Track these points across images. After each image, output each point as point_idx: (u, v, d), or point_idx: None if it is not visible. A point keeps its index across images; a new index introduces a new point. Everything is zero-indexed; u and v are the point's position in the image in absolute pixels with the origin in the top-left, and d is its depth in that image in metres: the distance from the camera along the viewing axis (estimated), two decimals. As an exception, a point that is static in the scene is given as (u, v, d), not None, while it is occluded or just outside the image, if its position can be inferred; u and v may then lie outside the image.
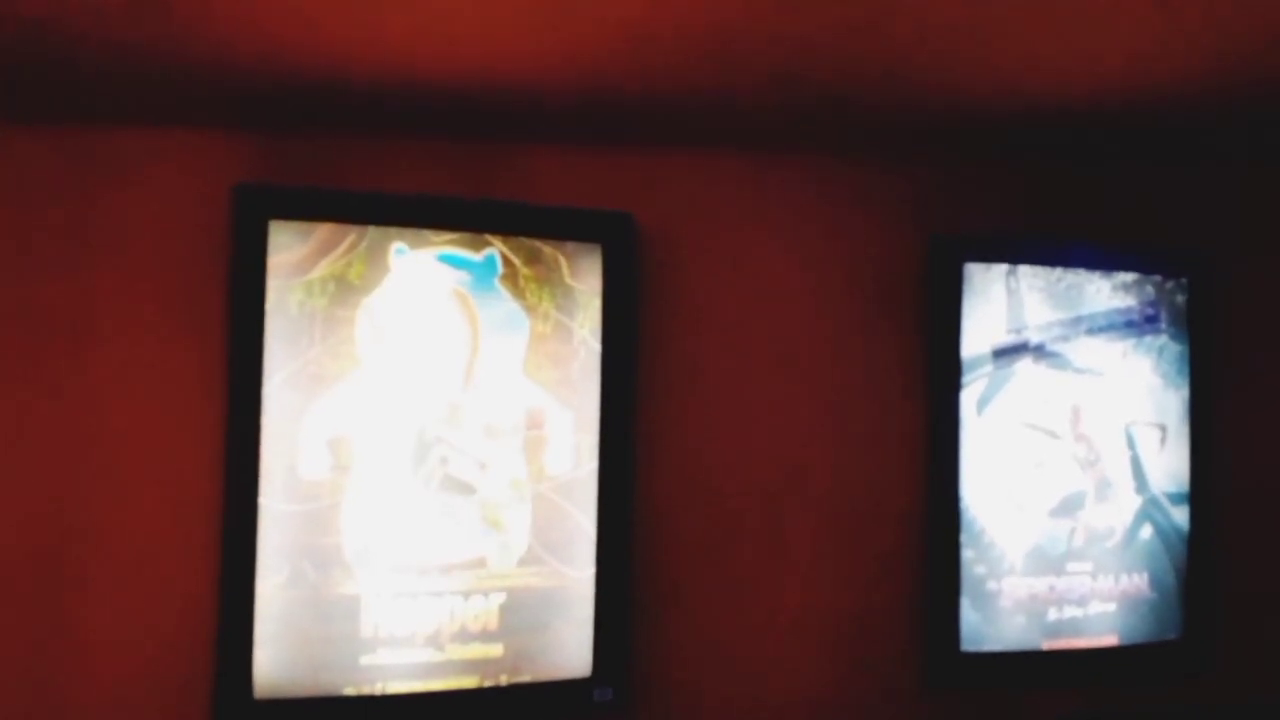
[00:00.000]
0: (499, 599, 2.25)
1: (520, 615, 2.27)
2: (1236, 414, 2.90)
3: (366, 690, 2.12)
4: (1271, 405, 2.95)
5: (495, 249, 2.33)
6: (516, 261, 2.35)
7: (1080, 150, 2.79)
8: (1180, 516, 2.85)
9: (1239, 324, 2.91)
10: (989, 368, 2.69)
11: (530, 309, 2.35)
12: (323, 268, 2.19)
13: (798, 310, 2.62)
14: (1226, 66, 2.11)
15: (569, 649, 2.31)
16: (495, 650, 2.24)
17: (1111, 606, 2.78)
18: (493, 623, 2.24)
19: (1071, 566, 2.73)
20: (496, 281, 2.33)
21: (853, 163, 2.66)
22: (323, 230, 2.20)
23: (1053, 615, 2.71)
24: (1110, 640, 2.76)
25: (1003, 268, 2.71)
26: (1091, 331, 2.80)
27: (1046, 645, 2.69)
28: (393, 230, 2.25)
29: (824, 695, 2.55)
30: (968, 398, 2.66)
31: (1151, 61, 2.08)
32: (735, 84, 2.12)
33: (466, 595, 2.23)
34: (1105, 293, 2.82)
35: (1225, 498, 2.86)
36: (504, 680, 2.23)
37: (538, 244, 2.36)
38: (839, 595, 2.58)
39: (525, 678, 2.25)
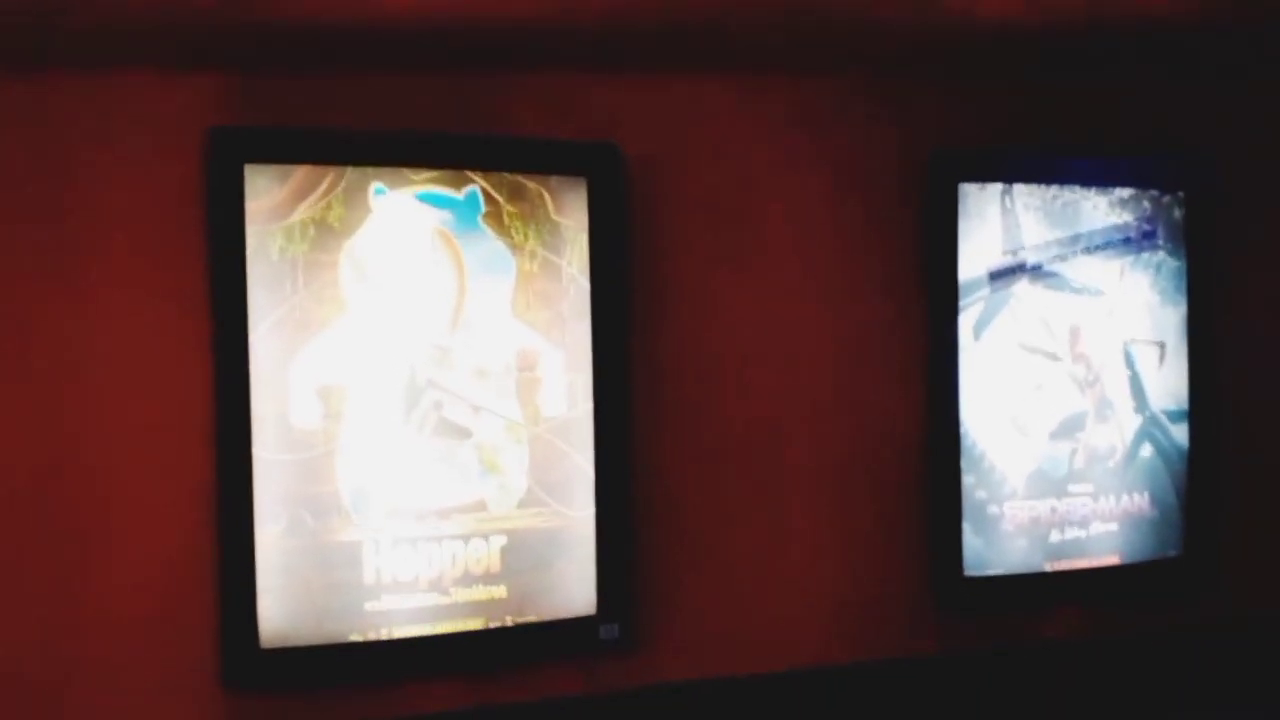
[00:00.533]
0: (500, 541, 2.23)
1: (522, 556, 2.25)
2: (1235, 328, 2.88)
3: (372, 636, 2.11)
4: (1268, 317, 2.93)
5: (477, 186, 2.27)
6: (500, 198, 2.28)
7: (1074, 63, 2.72)
8: (1180, 434, 2.84)
9: (1236, 237, 2.88)
10: (986, 290, 2.65)
11: (516, 247, 2.29)
12: (301, 211, 2.13)
13: (792, 235, 2.56)
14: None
15: (573, 588, 2.30)
16: (499, 592, 2.23)
17: (1113, 526, 2.77)
18: (495, 565, 2.22)
19: (1073, 488, 2.72)
20: (480, 220, 2.27)
21: (843, 84, 2.58)
22: (300, 173, 2.13)
23: (1055, 537, 2.70)
24: (1112, 560, 2.76)
25: (997, 188, 2.65)
26: (1089, 250, 2.76)
27: (1049, 567, 2.70)
28: (370, 170, 2.18)
29: (829, 619, 2.55)
30: (965, 322, 2.62)
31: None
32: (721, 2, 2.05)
33: (467, 539, 2.21)
34: (1102, 210, 2.78)
35: (1224, 414, 2.86)
36: (510, 621, 2.22)
37: (521, 179, 2.30)
38: (842, 522, 2.57)
39: (530, 618, 2.25)
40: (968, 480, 2.60)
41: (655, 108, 2.46)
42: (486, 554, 2.22)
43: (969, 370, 2.62)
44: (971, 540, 2.61)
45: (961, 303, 2.62)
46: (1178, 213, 2.82)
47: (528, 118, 2.36)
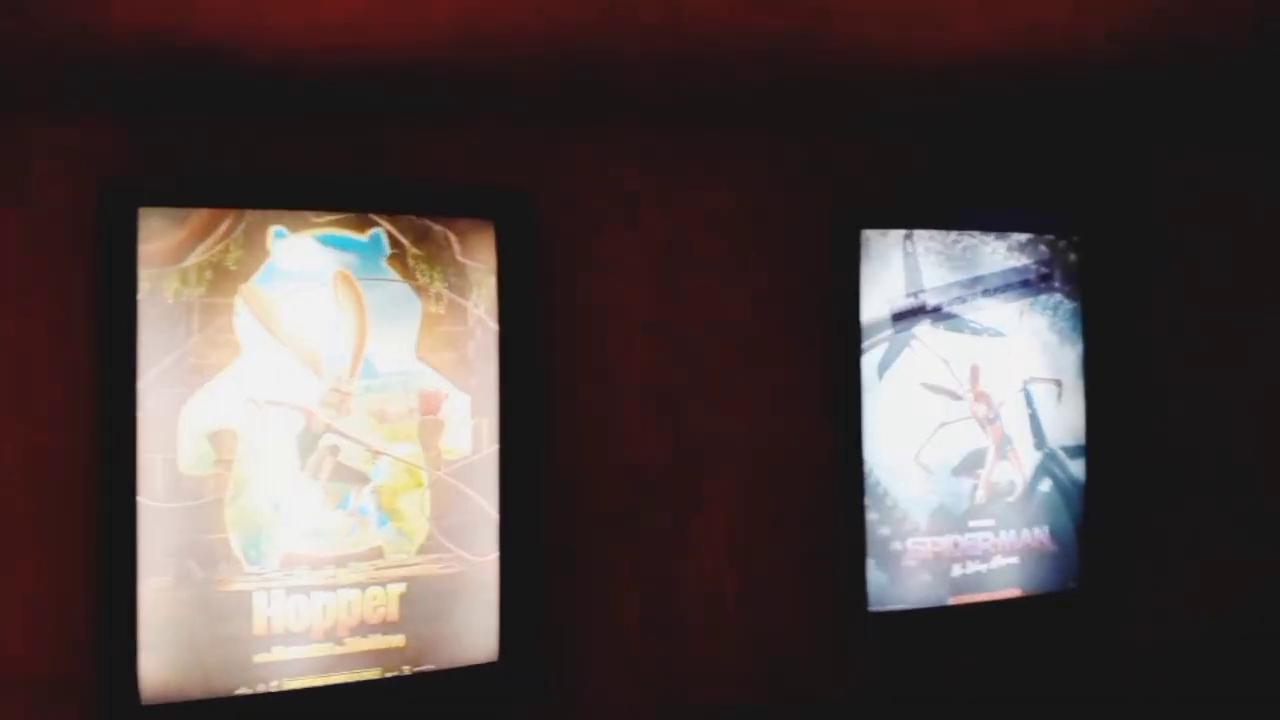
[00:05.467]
0: (398, 589, 2.20)
1: (422, 604, 2.22)
2: (1128, 367, 2.99)
3: (261, 689, 2.06)
4: (1161, 358, 3.05)
5: (381, 228, 2.26)
6: (405, 241, 2.28)
7: (975, 117, 2.82)
8: (1077, 469, 2.93)
9: (1127, 280, 3.00)
10: (889, 331, 2.72)
11: (421, 290, 2.28)
12: (198, 254, 2.10)
13: (702, 280, 2.61)
14: (1123, 31, 2.14)
15: (475, 635, 2.28)
16: (397, 640, 2.20)
17: (1014, 560, 2.84)
18: (393, 613, 2.19)
19: (974, 523, 2.79)
20: (384, 262, 2.26)
21: (752, 134, 2.64)
22: (196, 216, 2.10)
23: (957, 571, 2.77)
24: (1013, 592, 2.84)
25: (899, 233, 2.73)
26: (988, 292, 2.85)
27: (953, 600, 2.76)
28: (271, 213, 2.16)
29: (738, 663, 2.57)
30: (869, 361, 2.69)
31: (1047, 30, 2.09)
32: (628, 53, 2.07)
33: (364, 587, 2.18)
34: (1001, 254, 2.87)
35: (1120, 449, 2.96)
36: (407, 670, 2.20)
37: (427, 222, 2.30)
38: (749, 562, 2.59)
39: (429, 666, 2.22)
40: (872, 517, 2.65)
41: (565, 153, 2.49)
42: (384, 601, 2.19)
43: (873, 409, 2.67)
44: (876, 576, 2.65)
45: (865, 343, 2.68)
46: (1072, 257, 2.92)
47: (438, 161, 2.37)
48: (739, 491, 2.61)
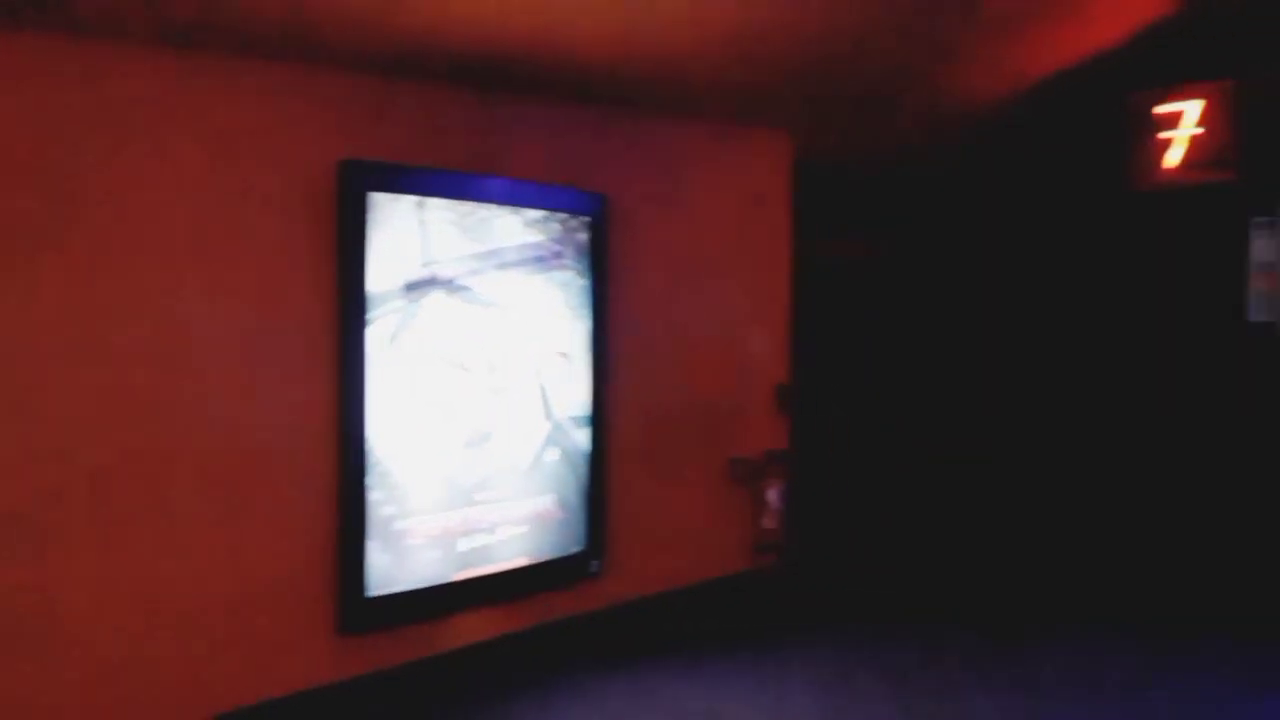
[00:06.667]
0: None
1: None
2: (628, 342, 3.22)
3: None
4: (655, 332, 3.33)
5: None
6: None
7: (499, 85, 2.80)
8: (583, 439, 3.09)
9: (630, 260, 3.22)
10: (400, 302, 2.61)
11: None
12: None
13: (188, 239, 2.27)
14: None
15: None
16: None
17: (523, 529, 2.92)
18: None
19: (482, 495, 2.80)
20: None
21: (258, 86, 2.35)
22: None
23: (464, 546, 2.77)
24: (521, 561, 2.92)
25: (412, 200, 2.61)
26: (503, 266, 2.86)
27: (459, 576, 2.75)
28: None
29: (229, 661, 2.32)
30: (378, 333, 2.55)
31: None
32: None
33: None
34: (516, 228, 2.89)
35: (619, 418, 3.18)
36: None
37: None
38: (245, 555, 2.35)
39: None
40: (375, 496, 2.54)
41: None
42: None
43: (380, 384, 2.54)
44: (380, 557, 2.55)
45: (375, 313, 2.54)
46: (583, 236, 3.05)
47: None
48: (224, 475, 2.33)
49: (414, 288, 2.63)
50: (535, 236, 2.92)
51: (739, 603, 3.49)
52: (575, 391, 3.06)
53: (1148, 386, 4.07)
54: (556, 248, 2.98)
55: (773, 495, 3.60)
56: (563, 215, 2.98)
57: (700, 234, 3.47)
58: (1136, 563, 3.96)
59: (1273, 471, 3.65)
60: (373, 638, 2.57)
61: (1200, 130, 3.68)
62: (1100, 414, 4.21)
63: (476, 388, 2.79)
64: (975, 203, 4.68)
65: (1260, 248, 3.76)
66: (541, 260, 2.95)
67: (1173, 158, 3.75)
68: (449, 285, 2.71)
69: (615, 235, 3.15)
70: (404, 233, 2.60)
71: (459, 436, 2.74)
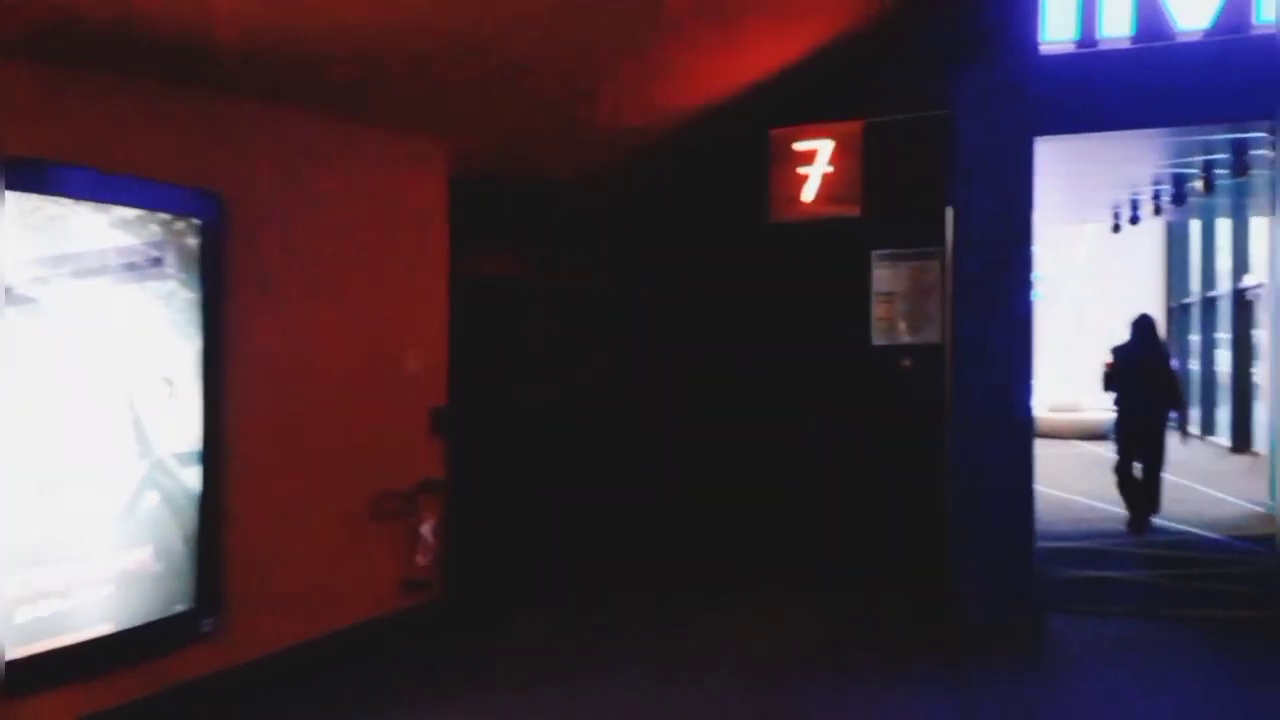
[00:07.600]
0: None
1: None
2: (255, 364, 2.82)
3: None
4: (290, 352, 2.96)
5: None
6: None
7: (79, 60, 2.30)
8: (191, 478, 2.63)
9: (260, 271, 2.83)
10: (-72, 317, 2.05)
11: None
12: None
13: None
14: None
15: None
16: None
17: (108, 590, 2.42)
18: None
19: (52, 553, 2.29)
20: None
21: None
22: None
23: (27, 615, 2.24)
24: (106, 628, 2.42)
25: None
26: (81, 274, 2.36)
27: (20, 653, 2.22)
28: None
29: None
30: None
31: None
32: None
33: None
34: (101, 229, 2.39)
35: (239, 453, 2.76)
36: None
37: None
38: None
39: None
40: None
41: None
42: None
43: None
44: (-108, 644, 1.97)
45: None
46: (193, 240, 2.61)
47: None
48: None
49: (-47, 299, 2.09)
50: (126, 239, 2.45)
51: (386, 649, 3.20)
52: (182, 424, 2.61)
53: (788, 401, 4.38)
54: (154, 253, 2.52)
55: (426, 529, 3.35)
56: (164, 216, 2.53)
57: (345, 245, 3.16)
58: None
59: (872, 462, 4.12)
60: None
61: (830, 169, 3.98)
62: (742, 421, 4.48)
63: (42, 423, 2.27)
64: (638, 225, 4.76)
65: (880, 278, 4.13)
66: (135, 268, 2.48)
67: (809, 192, 4.02)
68: (10, 296, 2.18)
69: (239, 243, 2.75)
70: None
71: (17, 484, 2.21)
